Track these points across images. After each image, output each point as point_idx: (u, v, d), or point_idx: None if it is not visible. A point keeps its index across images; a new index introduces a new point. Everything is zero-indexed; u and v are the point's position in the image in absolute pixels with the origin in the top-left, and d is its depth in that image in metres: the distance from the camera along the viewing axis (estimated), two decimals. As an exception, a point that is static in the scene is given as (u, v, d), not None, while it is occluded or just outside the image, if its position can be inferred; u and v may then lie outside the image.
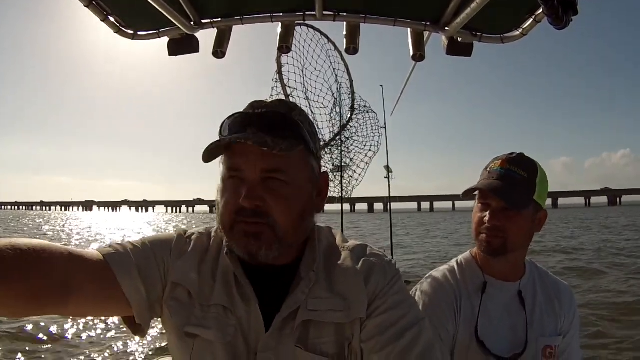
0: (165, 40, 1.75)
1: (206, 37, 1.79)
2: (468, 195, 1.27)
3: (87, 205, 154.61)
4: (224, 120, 0.83)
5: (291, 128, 0.82)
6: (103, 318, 5.81)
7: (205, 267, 0.86)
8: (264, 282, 0.84)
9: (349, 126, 3.61)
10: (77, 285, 0.73)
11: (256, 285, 0.83)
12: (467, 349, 1.21)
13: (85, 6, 1.41)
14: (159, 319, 0.87)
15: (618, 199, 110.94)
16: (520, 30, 1.56)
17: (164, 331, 0.90)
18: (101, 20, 1.52)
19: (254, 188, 0.78)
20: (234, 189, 0.80)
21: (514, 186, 1.19)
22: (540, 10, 1.41)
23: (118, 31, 1.62)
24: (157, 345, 5.10)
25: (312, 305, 0.81)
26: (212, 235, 0.92)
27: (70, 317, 5.74)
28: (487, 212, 1.21)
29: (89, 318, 5.81)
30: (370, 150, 3.80)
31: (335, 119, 3.49)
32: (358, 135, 3.76)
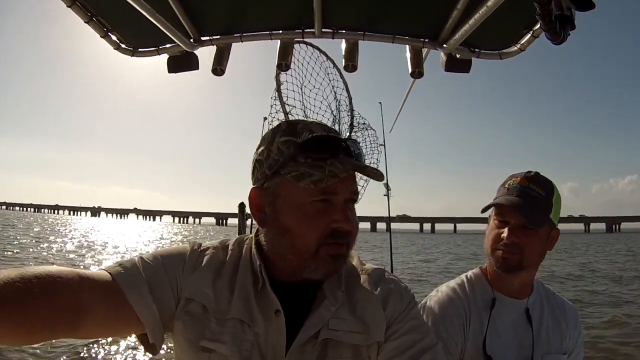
0: (165, 57, 1.75)
1: (205, 54, 1.80)
2: (487, 209, 1.28)
3: (95, 212, 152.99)
4: (304, 141, 0.80)
5: (362, 153, 0.87)
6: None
7: (221, 282, 0.85)
8: (285, 298, 0.83)
9: (348, 144, 3.60)
10: (88, 309, 0.72)
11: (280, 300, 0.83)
12: None
13: (85, 22, 1.42)
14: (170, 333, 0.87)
15: (617, 226, 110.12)
16: (519, 46, 1.58)
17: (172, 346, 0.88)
18: (101, 37, 1.53)
19: (347, 210, 0.81)
20: (323, 212, 0.80)
21: (533, 204, 1.20)
22: (538, 26, 1.42)
23: (118, 47, 1.63)
24: None
25: (334, 324, 0.81)
26: (229, 249, 0.91)
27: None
28: (505, 229, 1.21)
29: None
30: (369, 167, 3.78)
31: (334, 137, 3.48)
32: (357, 153, 3.74)
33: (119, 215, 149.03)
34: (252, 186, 0.88)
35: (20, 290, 0.66)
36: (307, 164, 0.79)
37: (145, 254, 0.86)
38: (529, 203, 1.20)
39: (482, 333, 1.22)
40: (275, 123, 2.72)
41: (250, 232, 0.96)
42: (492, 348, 1.20)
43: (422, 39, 1.70)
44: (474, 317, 1.24)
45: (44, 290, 0.68)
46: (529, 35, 1.51)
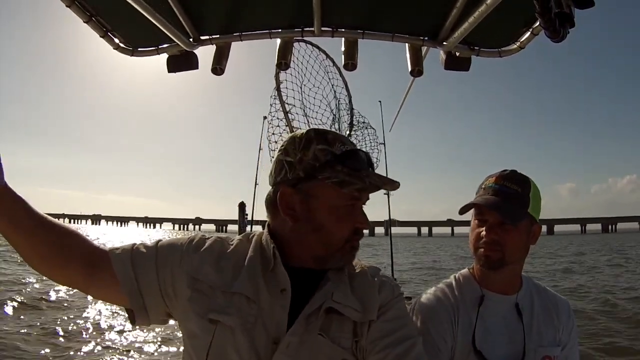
0: (164, 57, 1.75)
1: (205, 53, 1.80)
2: (465, 211, 1.31)
3: (95, 219, 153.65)
4: (343, 153, 0.94)
5: None
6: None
7: (226, 263, 0.96)
8: (291, 280, 0.93)
9: (347, 142, 3.59)
10: (97, 265, 0.91)
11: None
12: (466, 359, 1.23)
13: (84, 22, 1.42)
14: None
15: (613, 226, 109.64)
16: (518, 44, 1.58)
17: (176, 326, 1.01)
18: (100, 37, 1.53)
19: (365, 214, 0.99)
20: (349, 213, 0.96)
21: (508, 201, 1.24)
22: (537, 24, 1.43)
23: (117, 47, 1.63)
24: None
25: (337, 297, 0.92)
26: (235, 240, 1.02)
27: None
28: (484, 227, 1.25)
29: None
30: (369, 166, 3.77)
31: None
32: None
33: (119, 222, 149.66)
34: (270, 185, 1.00)
35: (61, 230, 0.88)
36: (344, 173, 0.92)
37: (147, 241, 0.99)
38: (505, 200, 1.23)
39: (471, 330, 1.24)
40: (275, 122, 2.72)
41: (249, 231, 1.07)
42: (482, 344, 1.22)
43: (421, 37, 1.70)
44: (463, 314, 1.26)
45: (61, 232, 0.89)
46: (529, 33, 1.51)
